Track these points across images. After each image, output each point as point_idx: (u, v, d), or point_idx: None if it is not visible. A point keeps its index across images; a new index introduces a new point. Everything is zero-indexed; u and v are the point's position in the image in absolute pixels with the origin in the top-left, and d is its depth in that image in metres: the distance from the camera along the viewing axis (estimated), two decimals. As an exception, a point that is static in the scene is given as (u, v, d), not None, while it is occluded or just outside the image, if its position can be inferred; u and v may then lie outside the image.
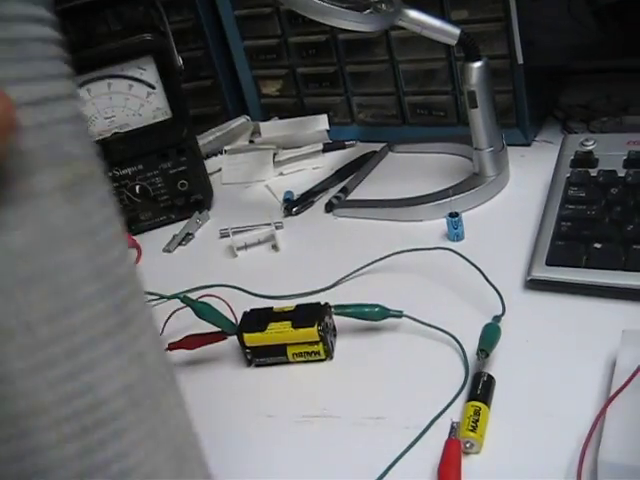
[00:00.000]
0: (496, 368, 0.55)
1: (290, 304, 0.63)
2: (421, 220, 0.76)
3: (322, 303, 0.61)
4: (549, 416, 0.50)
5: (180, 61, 0.87)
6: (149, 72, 0.83)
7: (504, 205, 0.76)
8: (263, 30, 0.98)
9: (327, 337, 0.59)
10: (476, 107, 0.74)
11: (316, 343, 0.59)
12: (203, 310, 0.60)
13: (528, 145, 0.87)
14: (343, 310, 0.61)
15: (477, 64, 0.73)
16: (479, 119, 0.75)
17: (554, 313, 0.59)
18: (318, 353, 0.59)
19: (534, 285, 0.62)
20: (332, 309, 0.61)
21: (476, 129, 0.76)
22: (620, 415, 0.46)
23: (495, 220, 0.74)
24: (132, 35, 0.83)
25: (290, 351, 0.59)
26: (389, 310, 0.60)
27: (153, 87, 0.84)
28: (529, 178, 0.78)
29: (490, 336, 0.54)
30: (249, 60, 1.02)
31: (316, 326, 0.58)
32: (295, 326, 0.59)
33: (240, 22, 1.00)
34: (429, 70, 0.90)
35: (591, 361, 0.53)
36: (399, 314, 0.60)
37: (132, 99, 0.83)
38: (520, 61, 0.81)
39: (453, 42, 0.72)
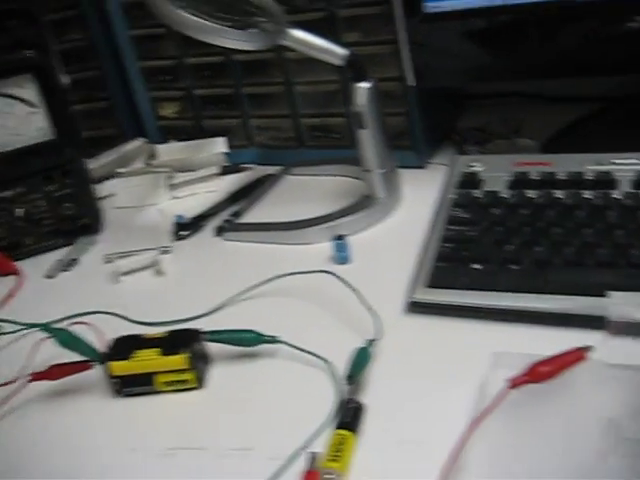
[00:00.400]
0: (369, 394, 0.53)
1: (164, 330, 0.59)
2: (309, 243, 0.74)
3: (194, 329, 0.58)
4: (419, 443, 0.48)
5: (67, 80, 0.84)
6: (30, 90, 0.79)
7: (394, 227, 0.75)
8: (159, 50, 0.96)
9: (197, 364, 0.56)
10: (364, 128, 0.73)
11: (186, 371, 0.56)
12: (64, 339, 0.57)
13: (422, 167, 0.86)
14: (215, 336, 0.58)
15: (365, 85, 0.72)
16: (368, 140, 0.74)
17: (433, 336, 0.57)
18: (188, 381, 0.56)
19: (415, 308, 0.60)
20: (205, 335, 0.58)
21: (365, 150, 0.75)
22: (485, 440, 0.45)
23: (384, 242, 0.73)
24: (12, 52, 0.79)
25: (159, 380, 0.56)
26: (263, 335, 0.58)
27: (34, 106, 0.80)
28: (421, 200, 0.76)
29: (358, 361, 0.52)
30: (145, 81, 0.99)
31: (185, 353, 0.55)
32: (164, 353, 0.56)
33: (135, 42, 0.97)
34: (325, 92, 0.89)
35: (465, 385, 0.51)
36: (274, 340, 0.58)
37: (12, 118, 0.80)
38: (411, 83, 0.80)
39: (340, 63, 0.71)
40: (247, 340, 0.58)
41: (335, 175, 0.88)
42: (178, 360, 0.55)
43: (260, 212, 0.84)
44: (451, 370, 0.53)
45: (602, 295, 0.53)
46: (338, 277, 0.62)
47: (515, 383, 0.46)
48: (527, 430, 0.46)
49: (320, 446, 0.48)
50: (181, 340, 0.57)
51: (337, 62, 0.71)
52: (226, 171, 0.95)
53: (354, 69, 0.72)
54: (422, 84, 0.81)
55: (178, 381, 0.56)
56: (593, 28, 0.73)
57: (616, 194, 0.64)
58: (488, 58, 0.78)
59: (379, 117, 0.73)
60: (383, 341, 0.57)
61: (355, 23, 0.83)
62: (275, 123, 0.94)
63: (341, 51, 0.71)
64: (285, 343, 0.57)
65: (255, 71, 0.91)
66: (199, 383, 0.57)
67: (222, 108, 0.96)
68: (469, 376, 0.51)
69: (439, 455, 0.45)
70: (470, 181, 0.69)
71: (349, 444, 0.47)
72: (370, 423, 0.50)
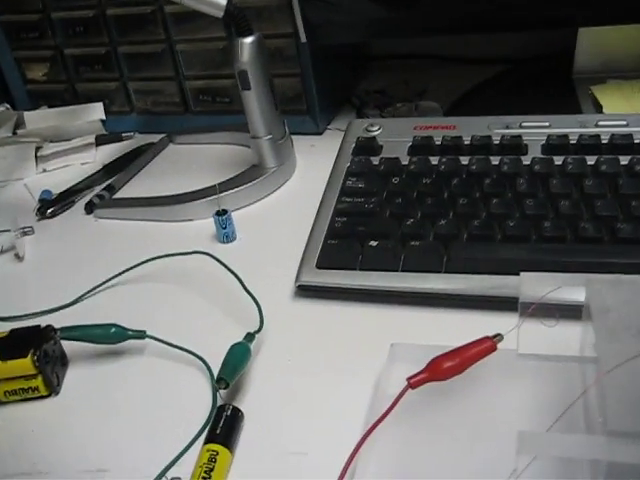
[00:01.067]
0: (249, 397, 0.45)
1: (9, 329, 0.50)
2: (191, 220, 0.66)
3: (43, 326, 0.49)
4: (305, 455, 0.41)
5: None
6: None
7: (286, 200, 0.68)
8: (20, 2, 0.84)
9: (48, 368, 0.47)
10: (249, 89, 0.64)
11: (33, 377, 0.47)
12: None
13: (320, 134, 0.78)
14: (71, 333, 0.49)
15: (248, 39, 0.63)
16: (253, 103, 0.65)
17: (324, 325, 0.50)
18: (37, 389, 0.47)
19: (304, 292, 0.53)
20: (58, 332, 0.49)
21: (251, 114, 0.66)
22: (378, 452, 0.38)
23: (274, 217, 0.65)
24: None
25: (2, 389, 0.47)
26: (128, 330, 0.49)
27: None
28: (316, 170, 0.68)
29: (234, 360, 0.44)
30: (8, 39, 0.87)
31: (30, 356, 0.46)
32: (3, 357, 0.46)
33: (-7, -7, 0.85)
34: (211, 51, 0.79)
35: (361, 382, 0.44)
36: (141, 335, 0.49)
37: None
38: (303, 39, 0.72)
39: (219, 14, 0.62)
40: (109, 336, 0.49)
41: (224, 143, 0.80)
42: (22, 364, 0.46)
43: (138, 186, 0.75)
44: (344, 365, 0.46)
45: (511, 273, 0.47)
46: (216, 259, 0.54)
47: (413, 383, 0.39)
48: (426, 438, 0.39)
49: (190, 465, 0.40)
50: (25, 340, 0.47)
51: (217, 14, 0.62)
52: (103, 140, 0.85)
53: (235, 22, 0.63)
54: (316, 41, 0.73)
55: (25, 389, 0.47)
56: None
57: (526, 160, 0.58)
58: (386, 12, 0.71)
59: (266, 76, 0.65)
60: (267, 332, 0.49)
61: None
62: (157, 86, 0.84)
63: (221, 1, 0.62)
64: (154, 338, 0.49)
65: (132, 27, 0.81)
66: (52, 390, 0.48)
67: (97, 70, 0.86)
68: (365, 371, 0.45)
69: (328, 468, 0.38)
70: (367, 147, 0.62)
71: (222, 462, 0.39)
72: (249, 433, 0.43)
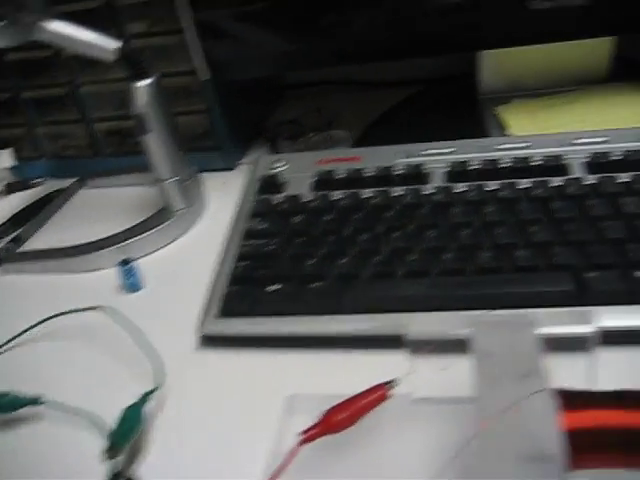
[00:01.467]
0: (149, 461, 0.44)
1: None
2: (98, 269, 0.64)
3: None
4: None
5: None
6: None
7: (195, 243, 0.66)
8: None
9: (-63, 446, 0.45)
10: (147, 133, 0.63)
11: None
12: None
13: (232, 169, 0.77)
14: (-39, 405, 0.47)
15: (144, 82, 0.62)
16: (155, 145, 0.64)
17: (226, 376, 0.49)
18: None
19: (208, 342, 0.52)
20: (-53, 405, 0.47)
21: (154, 158, 0.65)
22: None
23: (182, 262, 0.64)
24: None
25: None
26: (22, 398, 0.48)
27: None
28: (227, 209, 0.67)
29: (124, 426, 0.43)
30: None
31: None
32: None
33: None
34: (117, 91, 0.78)
35: (261, 438, 0.43)
36: (37, 401, 0.47)
37: None
38: (205, 77, 0.71)
39: (110, 58, 0.61)
40: (2, 406, 0.47)
41: (136, 185, 0.78)
42: None
43: (47, 235, 0.73)
44: (244, 419, 0.45)
45: (412, 310, 0.47)
46: (112, 315, 0.52)
47: (305, 439, 0.38)
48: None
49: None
50: None
51: (107, 57, 0.61)
52: (13, 189, 0.83)
53: (130, 65, 0.62)
54: (222, 77, 0.72)
55: None
56: (403, 6, 0.67)
57: (427, 190, 0.58)
58: (292, 45, 0.70)
59: (167, 118, 0.64)
60: (171, 387, 0.48)
61: (140, 11, 0.72)
62: (65, 130, 0.82)
63: (112, 45, 0.61)
64: (51, 404, 0.47)
65: (34, 72, 0.79)
66: (-58, 468, 0.46)
67: (2, 116, 0.83)
68: (265, 425, 0.44)
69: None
70: (271, 184, 0.61)
71: (112, 537, 0.38)
72: (145, 501, 0.41)
